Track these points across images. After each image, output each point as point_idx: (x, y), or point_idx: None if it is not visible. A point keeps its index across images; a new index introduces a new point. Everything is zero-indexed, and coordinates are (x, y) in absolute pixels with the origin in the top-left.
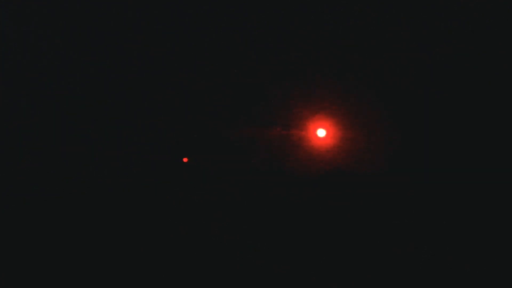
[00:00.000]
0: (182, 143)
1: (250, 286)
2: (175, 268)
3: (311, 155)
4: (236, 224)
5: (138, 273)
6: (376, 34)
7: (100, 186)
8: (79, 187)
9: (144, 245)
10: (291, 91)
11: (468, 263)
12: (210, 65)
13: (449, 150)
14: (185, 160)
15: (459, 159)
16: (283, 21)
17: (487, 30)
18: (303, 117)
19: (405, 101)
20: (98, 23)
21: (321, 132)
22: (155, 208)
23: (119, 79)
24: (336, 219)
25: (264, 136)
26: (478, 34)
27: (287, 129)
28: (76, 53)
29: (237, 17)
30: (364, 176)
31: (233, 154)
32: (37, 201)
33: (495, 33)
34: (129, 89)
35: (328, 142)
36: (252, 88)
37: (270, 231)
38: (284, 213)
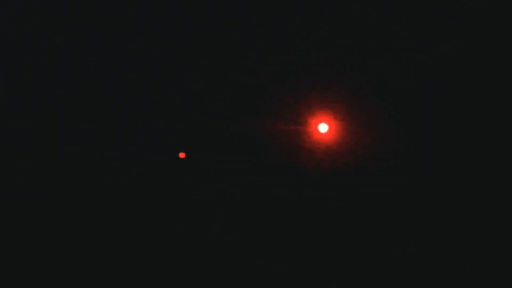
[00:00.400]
0: (182, 143)
1: (250, 286)
2: (175, 268)
3: (313, 151)
4: (236, 224)
5: (138, 273)
6: (376, 34)
7: (100, 186)
8: (79, 187)
9: (144, 245)
10: (292, 87)
11: (468, 263)
12: (210, 65)
13: (449, 150)
14: (182, 155)
15: (459, 159)
16: (283, 21)
17: (487, 30)
18: (304, 112)
19: (405, 101)
20: (98, 23)
21: (323, 127)
22: (155, 208)
23: (119, 79)
24: (336, 219)
25: (264, 131)
26: (478, 34)
27: (288, 124)
28: (76, 53)
29: (237, 17)
30: (365, 174)
31: (233, 154)
32: (37, 201)
33: (495, 33)
34: (129, 89)
35: (330, 137)
36: (252, 85)
37: (270, 231)
38: (284, 213)
